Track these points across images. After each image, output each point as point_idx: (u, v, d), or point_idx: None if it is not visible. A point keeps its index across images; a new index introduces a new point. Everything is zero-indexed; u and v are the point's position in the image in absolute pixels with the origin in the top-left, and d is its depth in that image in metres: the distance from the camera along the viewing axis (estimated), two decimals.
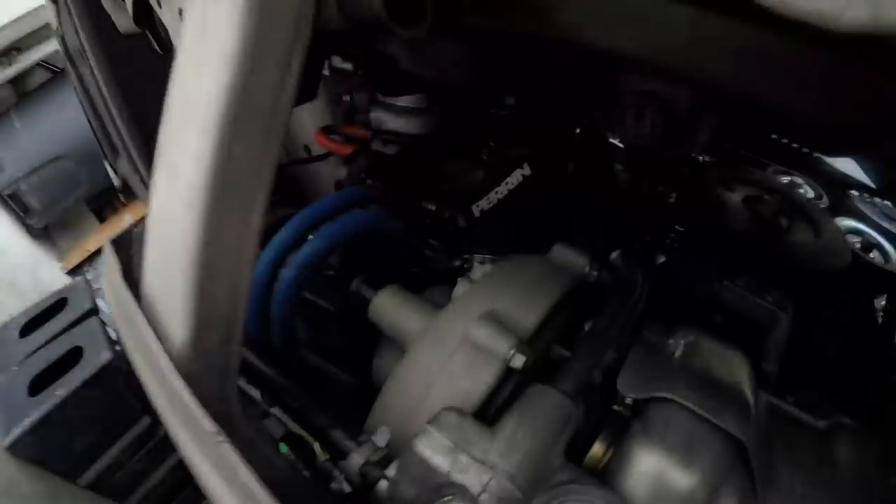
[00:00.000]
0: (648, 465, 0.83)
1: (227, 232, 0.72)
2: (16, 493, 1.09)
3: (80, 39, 1.52)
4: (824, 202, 1.73)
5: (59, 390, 1.13)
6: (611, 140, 1.66)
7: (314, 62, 1.53)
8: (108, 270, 0.91)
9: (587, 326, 1.00)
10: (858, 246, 1.60)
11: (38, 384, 1.16)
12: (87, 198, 3.39)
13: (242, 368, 1.04)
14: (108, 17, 1.17)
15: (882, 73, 0.54)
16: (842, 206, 1.80)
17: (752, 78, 0.73)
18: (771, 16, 0.47)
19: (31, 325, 1.35)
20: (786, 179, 1.73)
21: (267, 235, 1.22)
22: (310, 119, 1.87)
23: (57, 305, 1.38)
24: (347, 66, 1.52)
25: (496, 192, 1.45)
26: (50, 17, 1.69)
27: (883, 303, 1.56)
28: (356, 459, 0.82)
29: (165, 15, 0.86)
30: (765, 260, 1.42)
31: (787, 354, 1.31)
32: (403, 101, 1.80)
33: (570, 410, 0.81)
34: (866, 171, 1.36)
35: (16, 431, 1.09)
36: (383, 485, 0.79)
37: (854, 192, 1.78)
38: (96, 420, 1.21)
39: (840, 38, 0.44)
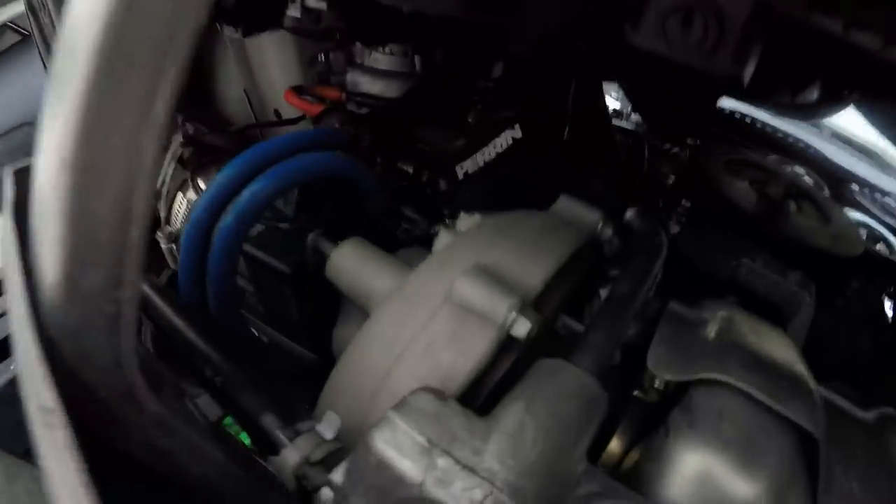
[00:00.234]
0: (697, 467, 0.55)
1: (113, 118, 0.41)
2: None
3: None
4: (826, 193, 1.50)
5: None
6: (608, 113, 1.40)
7: None
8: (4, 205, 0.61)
9: (602, 292, 0.72)
10: (864, 238, 1.37)
11: None
12: None
13: (160, 330, 0.73)
14: None
15: None
16: (843, 198, 1.58)
17: None
18: None
19: None
20: (787, 169, 1.50)
21: None
22: (281, 80, 1.57)
23: None
24: (321, 3, 1.23)
25: (483, 154, 1.17)
26: None
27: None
28: (291, 456, 0.53)
29: None
30: (776, 240, 1.17)
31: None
32: (382, 63, 1.52)
33: (597, 394, 0.53)
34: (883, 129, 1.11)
35: None
36: (326, 495, 0.49)
37: (854, 186, 1.57)
38: None
39: None
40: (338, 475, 0.49)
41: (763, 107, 1.56)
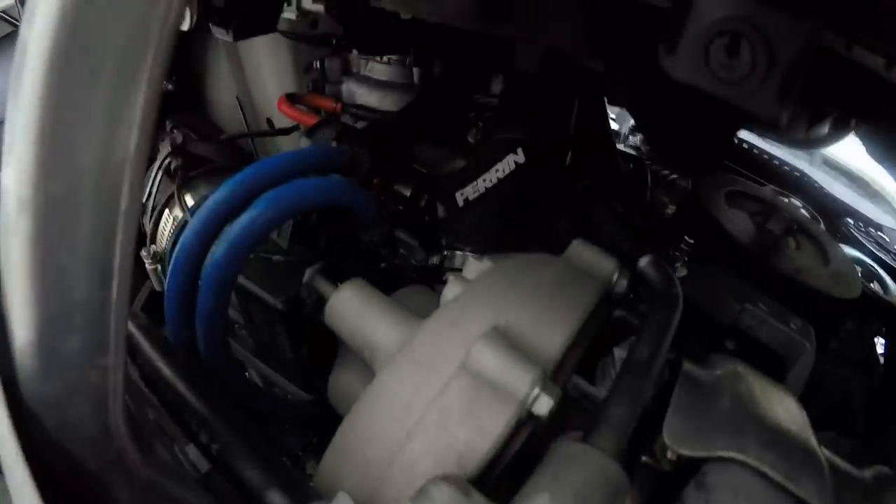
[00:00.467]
0: None
1: (75, 146, 0.36)
2: None
3: None
4: (822, 226, 1.51)
5: None
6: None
7: None
8: None
9: (617, 353, 0.70)
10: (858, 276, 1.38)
11: None
12: None
13: (147, 379, 0.69)
14: None
15: None
16: (837, 233, 1.59)
17: None
18: None
19: None
20: (784, 201, 1.50)
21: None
22: (275, 87, 1.52)
23: None
24: (318, 6, 1.18)
25: (484, 180, 1.13)
26: None
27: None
28: None
29: None
30: (774, 280, 1.16)
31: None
32: (380, 73, 1.48)
33: (621, 481, 0.51)
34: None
35: None
36: None
37: (849, 220, 1.58)
38: None
39: None
40: None
41: (776, 141, 1.56)
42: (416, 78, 1.45)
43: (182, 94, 1.41)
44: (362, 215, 0.91)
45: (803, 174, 1.71)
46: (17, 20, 2.75)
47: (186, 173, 1.07)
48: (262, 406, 0.88)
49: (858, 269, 1.34)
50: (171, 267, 0.78)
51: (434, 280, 1.06)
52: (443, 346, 0.58)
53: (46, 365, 0.41)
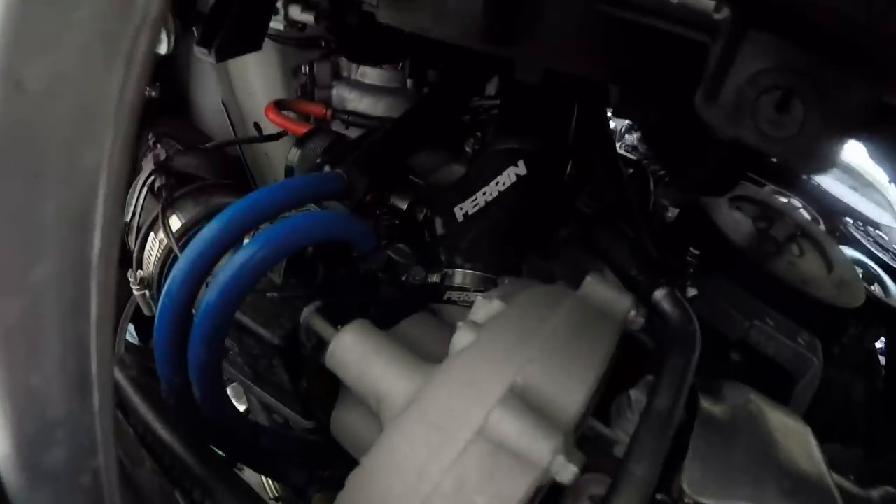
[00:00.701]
0: None
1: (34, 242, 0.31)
2: None
3: None
4: (822, 227, 1.50)
5: None
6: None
7: (261, 3, 1.11)
8: None
9: (633, 395, 0.67)
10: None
11: None
12: None
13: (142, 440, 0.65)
14: None
15: None
16: (837, 233, 1.58)
17: None
18: None
19: None
20: (784, 200, 1.48)
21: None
22: (262, 92, 1.45)
23: None
24: (307, 16, 1.11)
25: (484, 193, 1.09)
26: None
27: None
28: None
29: None
30: (778, 288, 1.15)
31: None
32: (371, 77, 1.42)
33: None
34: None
35: None
36: None
37: (848, 220, 1.57)
38: None
39: None
40: None
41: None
42: (409, 83, 1.40)
43: (165, 99, 1.35)
44: (360, 247, 0.87)
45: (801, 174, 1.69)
46: None
47: (171, 194, 1.02)
48: (264, 445, 0.85)
49: (859, 271, 1.32)
50: (158, 310, 0.74)
51: (434, 299, 1.03)
52: (458, 409, 0.55)
53: (33, 477, 0.37)
